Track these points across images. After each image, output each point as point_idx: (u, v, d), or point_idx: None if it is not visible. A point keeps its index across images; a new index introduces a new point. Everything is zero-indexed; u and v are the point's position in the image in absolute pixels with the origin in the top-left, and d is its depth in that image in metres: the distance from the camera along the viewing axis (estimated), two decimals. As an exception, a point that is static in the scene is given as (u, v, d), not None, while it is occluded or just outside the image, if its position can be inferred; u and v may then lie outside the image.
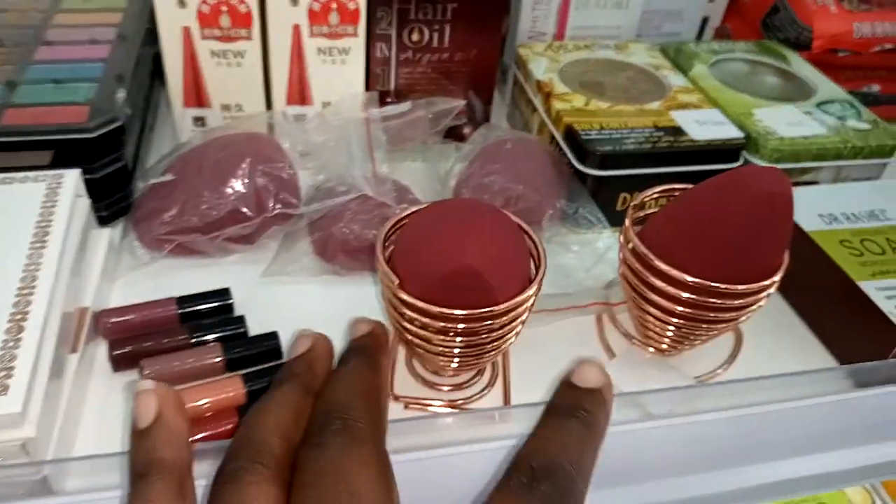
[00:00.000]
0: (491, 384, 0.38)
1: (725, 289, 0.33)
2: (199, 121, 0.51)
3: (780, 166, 0.49)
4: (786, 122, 0.52)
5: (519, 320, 0.33)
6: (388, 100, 0.53)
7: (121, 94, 0.46)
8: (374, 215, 0.43)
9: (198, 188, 0.43)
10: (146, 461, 0.25)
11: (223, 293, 0.41)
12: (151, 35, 0.53)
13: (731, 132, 0.49)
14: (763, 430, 0.37)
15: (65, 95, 0.46)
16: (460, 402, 0.37)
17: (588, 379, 0.29)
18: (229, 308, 0.41)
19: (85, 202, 0.41)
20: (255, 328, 0.39)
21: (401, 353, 0.39)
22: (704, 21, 0.72)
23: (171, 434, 0.26)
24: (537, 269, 0.33)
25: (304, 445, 0.26)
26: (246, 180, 0.43)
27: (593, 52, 0.59)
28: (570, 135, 0.48)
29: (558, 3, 0.60)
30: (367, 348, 0.31)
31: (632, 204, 0.38)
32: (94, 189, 0.43)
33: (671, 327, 0.37)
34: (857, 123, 0.52)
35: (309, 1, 0.47)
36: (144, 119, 0.53)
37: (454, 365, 0.35)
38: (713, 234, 0.33)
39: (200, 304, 0.40)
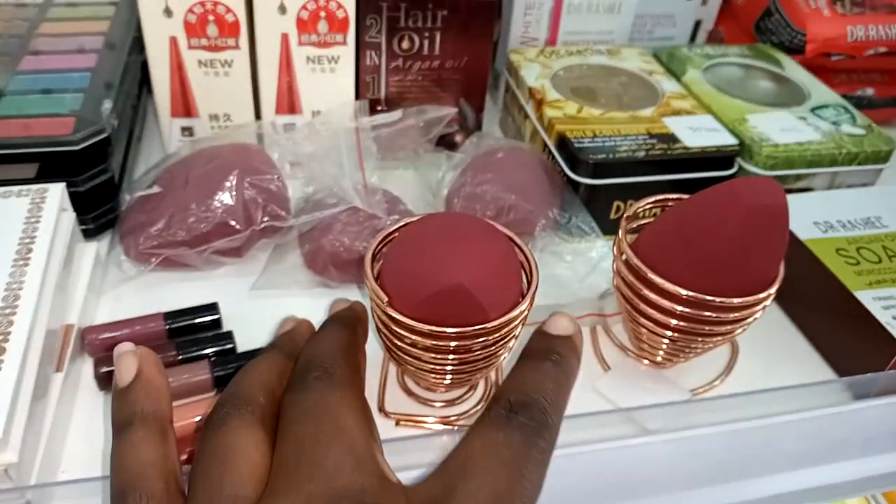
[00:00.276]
0: (485, 399, 0.38)
1: (720, 302, 0.33)
2: (187, 131, 0.51)
3: (774, 173, 0.49)
4: (780, 127, 0.51)
5: (512, 335, 0.32)
6: (379, 108, 0.53)
7: (107, 106, 0.45)
8: (365, 227, 0.43)
9: (185, 201, 0.42)
10: (129, 414, 0.27)
11: (211, 308, 0.40)
12: (139, 43, 0.52)
13: (724, 139, 0.49)
14: (761, 443, 0.36)
15: (50, 106, 0.45)
16: (453, 418, 0.37)
17: (559, 327, 0.31)
18: (218, 323, 0.40)
19: (70, 216, 0.40)
20: (244, 342, 0.39)
21: (392, 370, 0.39)
22: (697, 25, 0.71)
23: (151, 388, 0.28)
24: (529, 282, 0.32)
25: (288, 391, 0.28)
26: (234, 193, 0.42)
27: (585, 57, 0.58)
28: (563, 143, 0.48)
29: (550, 8, 0.60)
30: (346, 317, 0.33)
31: (625, 215, 0.37)
32: (80, 202, 0.43)
33: (666, 340, 0.37)
34: (851, 129, 0.52)
35: (297, 9, 0.46)
36: (132, 129, 0.52)
37: (447, 382, 0.34)
38: (707, 247, 0.32)
39: (188, 320, 0.40)
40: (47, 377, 0.34)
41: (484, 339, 0.30)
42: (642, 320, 0.36)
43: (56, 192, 0.39)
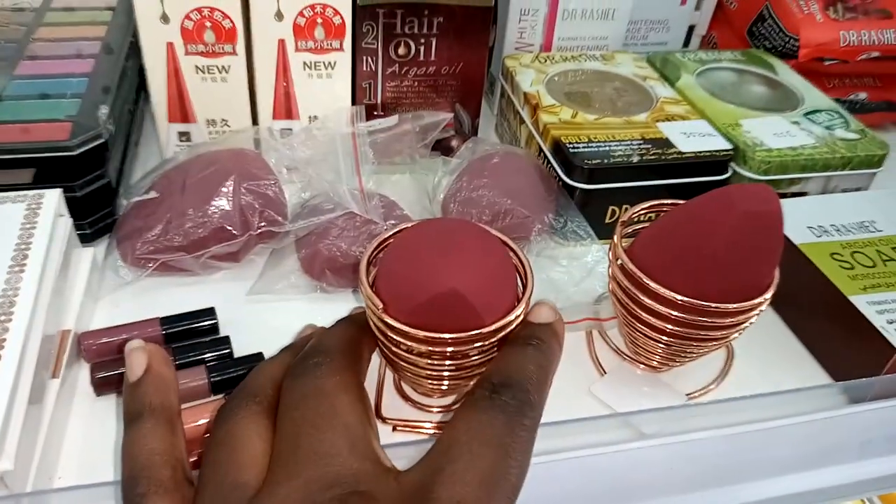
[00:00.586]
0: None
1: (715, 307, 0.33)
2: (184, 136, 0.51)
3: (768, 178, 0.49)
4: (773, 132, 0.52)
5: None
6: (375, 113, 0.53)
7: (104, 111, 0.45)
8: (361, 232, 0.43)
9: (182, 206, 0.42)
10: (139, 406, 0.29)
11: (208, 313, 0.40)
12: (136, 48, 0.52)
13: (718, 144, 0.49)
14: (757, 447, 0.36)
15: (47, 111, 0.45)
16: None
17: (541, 316, 0.31)
18: (214, 328, 0.40)
19: (67, 221, 0.40)
20: (240, 347, 0.39)
21: (389, 376, 0.39)
22: (691, 30, 0.72)
23: (160, 382, 0.30)
24: (525, 286, 0.32)
25: (287, 376, 0.29)
26: (231, 198, 0.42)
27: (580, 62, 0.59)
28: (558, 148, 0.48)
29: (545, 14, 0.60)
30: (356, 317, 0.34)
31: (620, 220, 0.38)
32: (77, 207, 0.43)
33: (661, 344, 0.37)
34: (844, 133, 0.52)
35: (294, 16, 0.47)
36: (129, 134, 0.52)
37: (444, 387, 0.34)
38: (702, 252, 0.32)
39: (185, 325, 0.40)
40: (43, 383, 0.34)
41: (480, 343, 0.30)
42: (638, 325, 0.36)
43: (52, 198, 0.39)
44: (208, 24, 0.46)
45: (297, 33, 0.47)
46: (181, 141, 0.51)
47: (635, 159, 0.47)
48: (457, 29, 0.50)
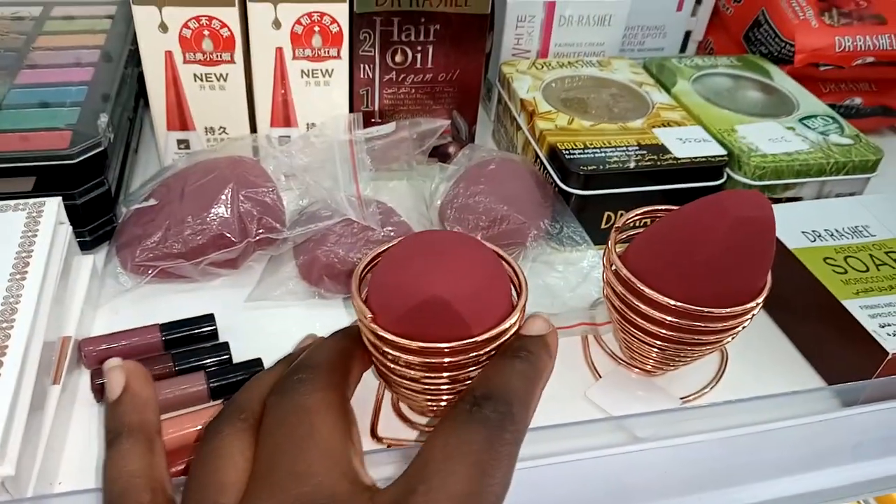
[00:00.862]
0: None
1: (708, 312, 0.33)
2: (183, 144, 0.51)
3: (762, 183, 0.50)
4: (768, 138, 0.52)
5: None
6: (373, 120, 0.53)
7: (103, 119, 0.45)
8: (359, 239, 0.43)
9: (181, 213, 0.43)
10: (118, 425, 0.28)
11: (207, 319, 0.41)
12: (136, 56, 0.53)
13: (713, 150, 0.50)
14: (751, 450, 0.37)
15: (47, 120, 0.46)
16: None
17: (533, 328, 0.30)
18: (214, 334, 0.40)
19: (67, 229, 0.40)
20: (239, 353, 0.39)
21: (387, 396, 0.38)
22: (687, 35, 0.72)
23: (137, 401, 0.30)
24: (519, 296, 0.32)
25: (271, 393, 0.29)
26: (229, 205, 0.43)
27: (577, 69, 0.59)
28: (554, 154, 0.48)
29: (542, 20, 0.60)
30: (351, 329, 0.33)
31: (614, 226, 0.38)
32: (77, 215, 0.43)
33: (656, 349, 0.37)
34: (839, 139, 0.53)
35: (292, 24, 0.47)
36: (128, 141, 0.53)
37: (441, 403, 0.34)
38: (696, 258, 0.33)
39: (184, 331, 0.40)
40: (44, 389, 0.34)
41: (475, 354, 0.29)
42: (632, 329, 0.37)
43: (53, 206, 0.39)
44: (206, 32, 0.47)
45: (294, 41, 0.48)
46: (180, 148, 0.51)
47: (631, 165, 0.47)
48: (453, 36, 0.50)
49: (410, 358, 0.29)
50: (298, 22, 0.47)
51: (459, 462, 0.25)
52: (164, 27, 0.46)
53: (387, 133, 0.51)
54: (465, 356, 0.29)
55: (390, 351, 0.30)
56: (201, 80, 0.48)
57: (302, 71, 0.49)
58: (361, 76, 0.51)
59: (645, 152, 0.48)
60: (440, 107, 0.54)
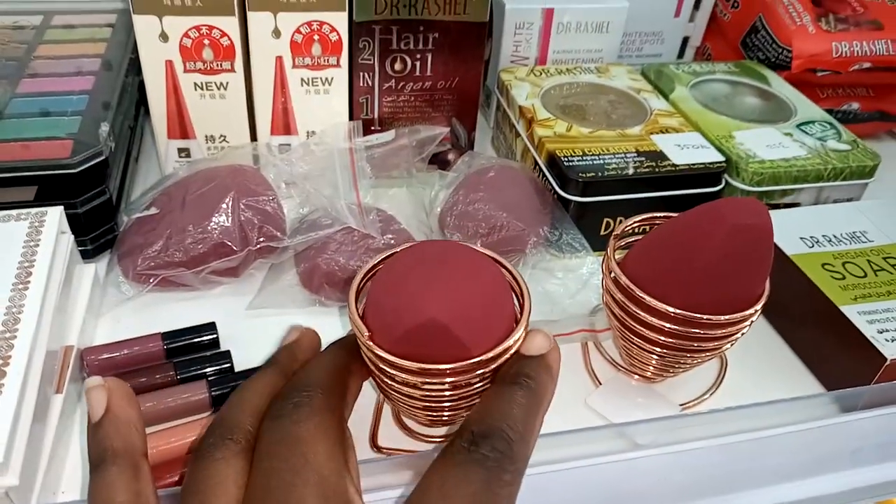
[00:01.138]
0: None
1: (707, 319, 0.34)
2: (184, 152, 0.51)
3: (760, 189, 0.50)
4: (766, 144, 0.52)
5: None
6: (373, 128, 0.53)
7: (104, 128, 0.46)
8: (359, 246, 0.43)
9: (182, 222, 0.43)
10: (101, 451, 0.27)
11: (209, 327, 0.41)
12: (136, 64, 0.53)
13: (711, 156, 0.50)
14: (750, 457, 0.37)
15: (48, 129, 0.46)
16: None
17: (532, 347, 0.29)
18: (215, 343, 0.41)
19: (69, 238, 0.41)
20: (241, 361, 0.39)
21: (387, 404, 0.38)
22: (685, 41, 0.73)
23: (120, 423, 0.28)
24: (521, 307, 0.31)
25: (266, 417, 0.28)
26: (230, 214, 0.43)
27: (575, 75, 0.59)
28: (553, 161, 0.49)
29: (540, 27, 0.61)
30: (348, 340, 0.32)
31: (613, 234, 0.38)
32: (79, 223, 0.44)
33: (655, 356, 0.37)
34: (836, 144, 0.53)
35: (291, 33, 0.47)
36: (129, 149, 0.53)
37: (443, 418, 0.33)
38: (694, 265, 0.33)
39: (186, 340, 0.40)
40: (47, 399, 0.34)
41: (479, 371, 0.29)
42: (632, 336, 0.37)
43: (55, 216, 0.40)
44: (207, 41, 0.47)
45: (294, 50, 0.48)
46: (180, 157, 0.52)
47: (629, 172, 0.48)
48: (452, 44, 0.50)
49: (409, 377, 0.29)
50: (298, 31, 0.47)
51: None
52: (164, 36, 0.46)
53: (386, 141, 0.51)
54: (466, 376, 0.29)
55: (388, 369, 0.29)
56: (202, 88, 0.49)
57: (302, 79, 0.49)
58: (361, 84, 0.51)
59: (643, 159, 0.49)
60: (439, 114, 0.54)
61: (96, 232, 0.46)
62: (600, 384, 0.41)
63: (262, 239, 0.44)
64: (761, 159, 0.50)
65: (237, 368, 0.39)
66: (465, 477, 0.25)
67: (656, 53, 0.72)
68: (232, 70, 0.48)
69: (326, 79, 0.50)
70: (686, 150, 0.50)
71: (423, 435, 0.37)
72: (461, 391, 0.30)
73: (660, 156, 0.49)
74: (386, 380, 0.30)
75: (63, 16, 0.60)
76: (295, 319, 0.43)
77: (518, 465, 0.26)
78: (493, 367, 0.29)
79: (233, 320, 0.42)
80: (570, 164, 0.48)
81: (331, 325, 0.43)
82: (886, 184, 0.54)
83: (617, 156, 0.49)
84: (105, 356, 0.39)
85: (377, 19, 0.48)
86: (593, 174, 0.47)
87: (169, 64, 0.47)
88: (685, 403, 0.40)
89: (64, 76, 0.52)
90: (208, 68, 0.48)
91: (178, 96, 0.49)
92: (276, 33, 0.47)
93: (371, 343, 0.29)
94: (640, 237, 0.38)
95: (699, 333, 0.35)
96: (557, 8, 0.60)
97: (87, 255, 0.45)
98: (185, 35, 0.46)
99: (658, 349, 0.36)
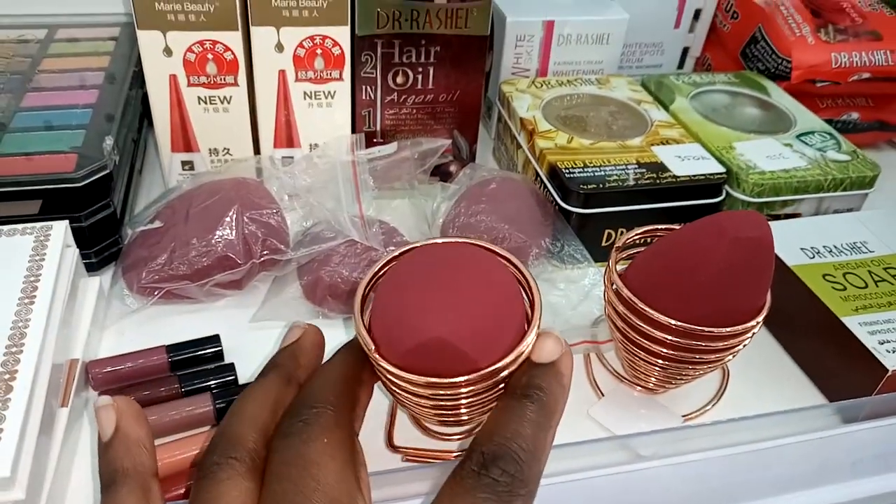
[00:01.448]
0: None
1: (708, 332, 0.34)
2: (188, 165, 0.52)
3: (761, 200, 0.50)
4: (766, 154, 0.52)
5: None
6: (375, 141, 0.54)
7: (108, 142, 0.46)
8: (362, 259, 0.44)
9: (186, 235, 0.43)
10: (111, 472, 0.27)
11: (213, 340, 0.41)
12: (139, 77, 0.53)
13: (712, 167, 0.50)
14: (752, 468, 0.37)
15: (53, 143, 0.46)
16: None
17: (543, 354, 0.28)
18: (219, 355, 0.41)
19: (73, 251, 0.41)
20: (245, 373, 0.39)
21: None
22: (685, 52, 0.73)
23: (129, 443, 0.27)
24: (532, 312, 0.30)
25: (275, 435, 0.27)
26: (234, 227, 0.43)
27: (576, 87, 0.60)
28: (554, 173, 0.49)
29: (541, 38, 0.61)
30: (353, 346, 0.31)
31: (615, 246, 0.38)
32: (83, 237, 0.44)
33: (657, 367, 0.37)
34: (836, 155, 0.53)
35: (294, 47, 0.48)
36: (133, 162, 0.53)
37: (463, 418, 0.33)
38: (696, 278, 0.33)
39: (190, 352, 0.40)
40: (53, 412, 0.34)
41: (491, 381, 0.28)
42: (634, 348, 0.37)
43: (60, 230, 0.40)
44: (210, 56, 0.47)
45: (297, 64, 0.48)
46: (184, 170, 0.52)
47: (630, 183, 0.48)
48: (453, 57, 0.51)
49: (418, 390, 0.28)
50: (301, 45, 0.48)
51: None
52: (168, 51, 0.47)
53: (389, 153, 0.51)
54: (476, 386, 0.28)
55: (396, 380, 0.29)
56: (205, 102, 0.49)
57: (304, 93, 0.50)
58: (363, 97, 0.52)
59: (644, 170, 0.49)
60: (441, 126, 0.54)
61: (100, 245, 0.46)
62: (602, 395, 0.41)
63: (265, 252, 0.44)
64: (762, 170, 0.51)
65: (241, 381, 0.39)
66: (477, 502, 0.24)
67: (656, 64, 0.72)
68: (235, 84, 0.49)
69: (329, 92, 0.50)
70: (687, 161, 0.50)
71: (439, 433, 0.36)
72: (473, 399, 0.29)
73: (661, 167, 0.49)
74: (395, 389, 0.30)
75: (67, 29, 0.61)
76: (298, 332, 0.43)
77: (530, 487, 0.25)
78: (503, 374, 0.28)
79: (236, 333, 0.43)
80: (572, 175, 0.48)
81: (334, 338, 0.43)
82: (886, 194, 0.54)
83: (618, 167, 0.49)
84: (109, 369, 0.39)
85: (379, 33, 0.49)
86: (595, 186, 0.47)
87: (173, 78, 0.48)
88: (687, 414, 0.40)
89: (68, 90, 0.53)
90: (212, 82, 0.48)
91: (182, 110, 0.49)
92: (279, 47, 0.48)
93: (378, 356, 0.28)
94: (641, 249, 0.39)
95: (701, 346, 0.35)
96: (558, 20, 0.60)
97: (92, 268, 0.46)
98: (189, 50, 0.47)
99: (660, 361, 0.37)
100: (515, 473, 0.25)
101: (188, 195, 0.46)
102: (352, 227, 0.44)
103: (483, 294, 0.28)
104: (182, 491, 0.33)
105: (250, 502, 0.25)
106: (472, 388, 0.28)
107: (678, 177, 0.49)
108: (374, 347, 0.29)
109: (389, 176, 0.51)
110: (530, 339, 0.29)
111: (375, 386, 0.32)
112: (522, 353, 0.28)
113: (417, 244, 0.32)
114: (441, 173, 0.56)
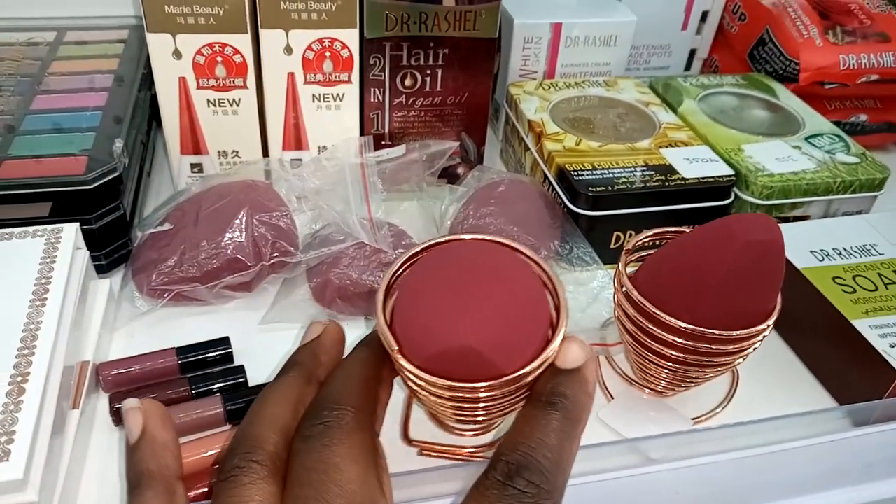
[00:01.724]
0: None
1: (719, 335, 0.34)
2: (196, 167, 0.52)
3: (770, 202, 0.50)
4: (775, 157, 0.52)
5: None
6: (383, 143, 0.54)
7: (118, 145, 0.46)
8: (371, 261, 0.44)
9: (196, 238, 0.43)
10: (137, 473, 0.27)
11: (223, 342, 0.41)
12: (148, 79, 0.53)
13: (720, 169, 0.50)
14: (762, 471, 0.37)
15: (63, 145, 0.47)
16: (481, 449, 0.35)
17: (567, 360, 0.28)
18: (229, 357, 0.41)
19: (84, 254, 0.41)
20: (255, 376, 0.39)
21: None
22: (692, 54, 0.73)
23: (156, 446, 0.28)
24: (558, 317, 0.29)
25: (296, 437, 0.27)
26: (243, 230, 0.43)
27: (583, 89, 0.60)
28: (563, 175, 0.49)
29: (548, 41, 0.61)
30: (373, 339, 0.31)
31: (625, 249, 0.38)
32: (93, 239, 0.44)
33: (667, 370, 0.37)
34: (845, 157, 0.53)
35: (303, 50, 0.48)
36: (142, 164, 0.53)
37: (473, 429, 0.33)
38: (706, 281, 0.33)
39: (200, 354, 0.40)
40: (64, 414, 0.34)
41: (514, 386, 0.28)
42: (643, 351, 0.37)
43: (70, 232, 0.40)
44: (220, 59, 0.47)
45: (306, 67, 0.49)
46: (193, 172, 0.52)
47: (639, 186, 0.48)
48: (462, 60, 0.51)
49: (440, 392, 0.28)
50: (310, 48, 0.48)
51: None
52: (177, 54, 0.47)
53: (397, 155, 0.52)
54: (499, 391, 0.28)
55: (417, 381, 0.28)
56: (214, 105, 0.49)
57: (313, 95, 0.50)
58: (372, 100, 0.52)
59: (653, 173, 0.49)
60: (449, 129, 0.54)
61: (111, 247, 0.46)
62: (612, 398, 0.41)
63: (275, 254, 0.44)
64: (770, 173, 0.50)
65: (251, 383, 0.39)
66: None
67: (664, 66, 0.72)
68: (244, 87, 0.49)
69: (338, 95, 0.50)
70: (695, 163, 0.50)
71: (457, 429, 0.36)
72: (494, 403, 0.29)
73: (669, 169, 0.49)
74: (415, 388, 0.29)
75: (76, 32, 0.61)
76: (307, 334, 0.44)
77: (556, 498, 0.25)
78: (527, 379, 0.28)
79: (246, 335, 0.43)
80: (581, 178, 0.48)
81: (343, 340, 0.43)
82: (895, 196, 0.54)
83: (626, 169, 0.49)
84: (120, 371, 0.39)
85: (388, 36, 0.49)
86: (603, 188, 0.47)
87: (182, 81, 0.48)
88: (697, 417, 0.40)
89: (77, 92, 0.53)
90: (221, 85, 0.48)
91: (191, 112, 0.49)
92: (288, 50, 0.48)
93: (400, 357, 0.28)
94: (651, 251, 0.39)
95: (711, 349, 0.35)
96: (566, 22, 0.60)
97: (102, 270, 0.46)
98: (199, 52, 0.47)
99: (670, 364, 0.37)
100: (541, 484, 0.24)
101: (198, 197, 0.46)
102: (361, 230, 0.45)
103: (510, 299, 0.27)
104: (191, 494, 0.33)
105: None
106: (494, 392, 0.28)
107: (687, 179, 0.49)
108: (396, 348, 0.28)
109: (398, 178, 0.52)
110: (555, 344, 0.28)
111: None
112: (547, 358, 0.28)
113: (440, 240, 0.31)
114: (449, 175, 0.56)
